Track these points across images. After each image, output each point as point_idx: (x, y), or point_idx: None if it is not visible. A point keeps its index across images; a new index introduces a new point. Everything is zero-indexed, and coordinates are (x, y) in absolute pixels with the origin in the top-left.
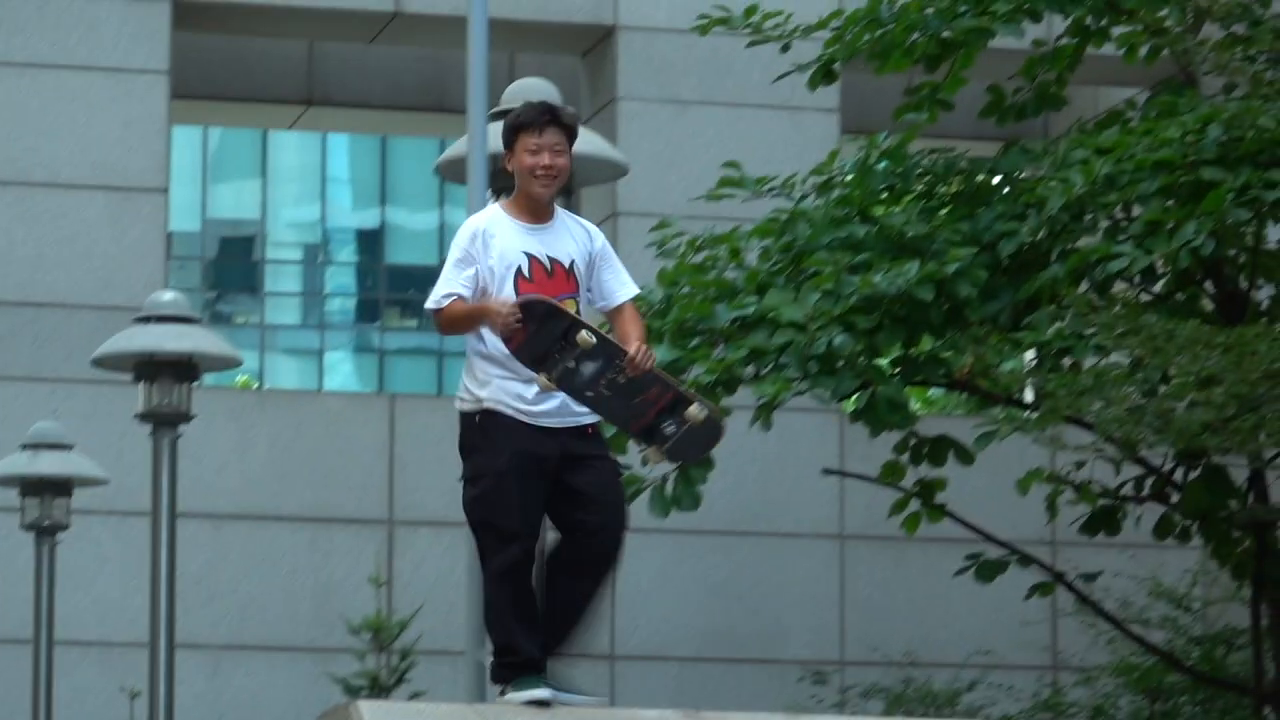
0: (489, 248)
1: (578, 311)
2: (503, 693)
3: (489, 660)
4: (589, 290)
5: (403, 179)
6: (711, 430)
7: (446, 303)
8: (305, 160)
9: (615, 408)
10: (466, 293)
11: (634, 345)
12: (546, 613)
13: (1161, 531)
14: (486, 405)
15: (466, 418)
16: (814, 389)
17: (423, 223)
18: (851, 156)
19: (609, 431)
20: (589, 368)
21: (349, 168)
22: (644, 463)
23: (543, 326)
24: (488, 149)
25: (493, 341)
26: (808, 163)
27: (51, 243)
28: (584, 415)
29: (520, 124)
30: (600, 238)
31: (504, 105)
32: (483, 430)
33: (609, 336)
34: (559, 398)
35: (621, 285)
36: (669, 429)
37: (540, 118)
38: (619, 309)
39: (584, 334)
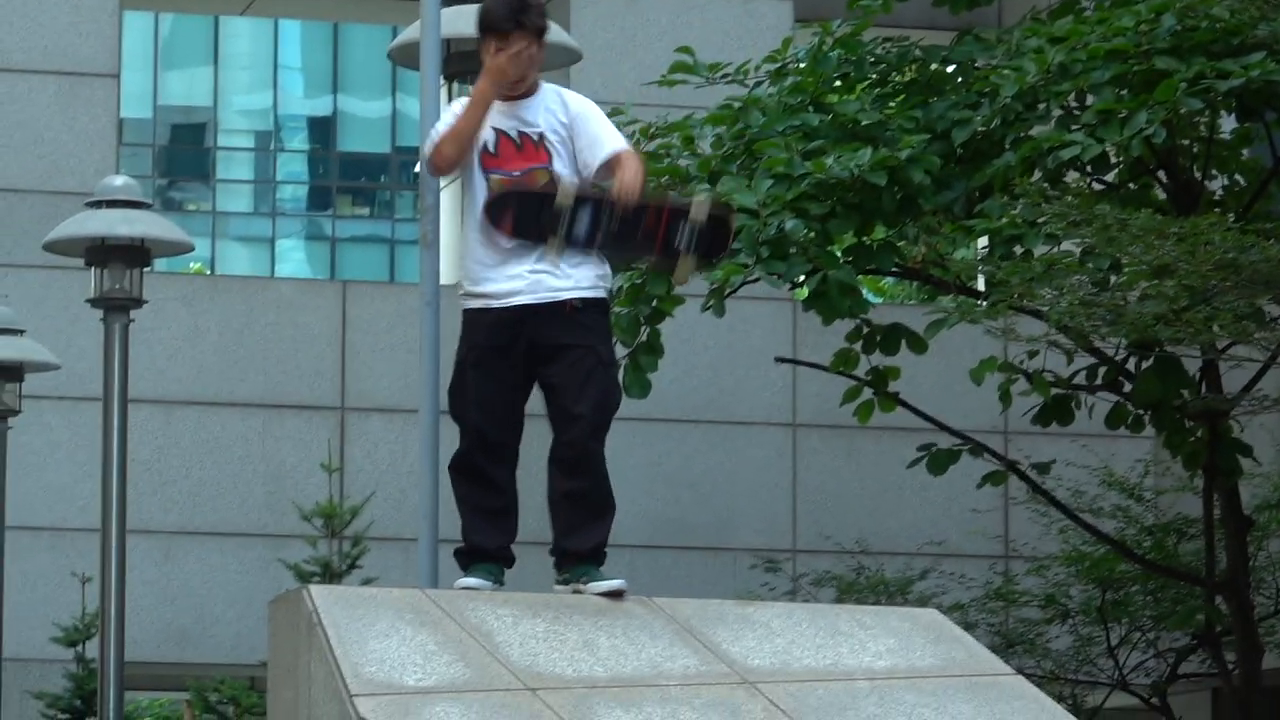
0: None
1: (551, 179)
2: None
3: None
4: (576, 156)
5: (355, 66)
6: (721, 219)
7: (445, 129)
8: (257, 47)
9: (626, 248)
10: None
11: (615, 185)
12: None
13: (1114, 421)
14: (463, 297)
15: (466, 311)
16: (766, 272)
17: (375, 110)
18: (805, 44)
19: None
20: (582, 224)
21: (301, 54)
22: (680, 281)
23: (523, 208)
24: (441, 34)
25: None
26: (761, 51)
27: (1, 128)
28: (561, 290)
29: (486, 26)
30: (576, 103)
31: None
32: (463, 321)
33: (589, 189)
34: (527, 277)
35: (602, 141)
36: (680, 242)
37: (505, 23)
38: (608, 163)
39: (558, 199)
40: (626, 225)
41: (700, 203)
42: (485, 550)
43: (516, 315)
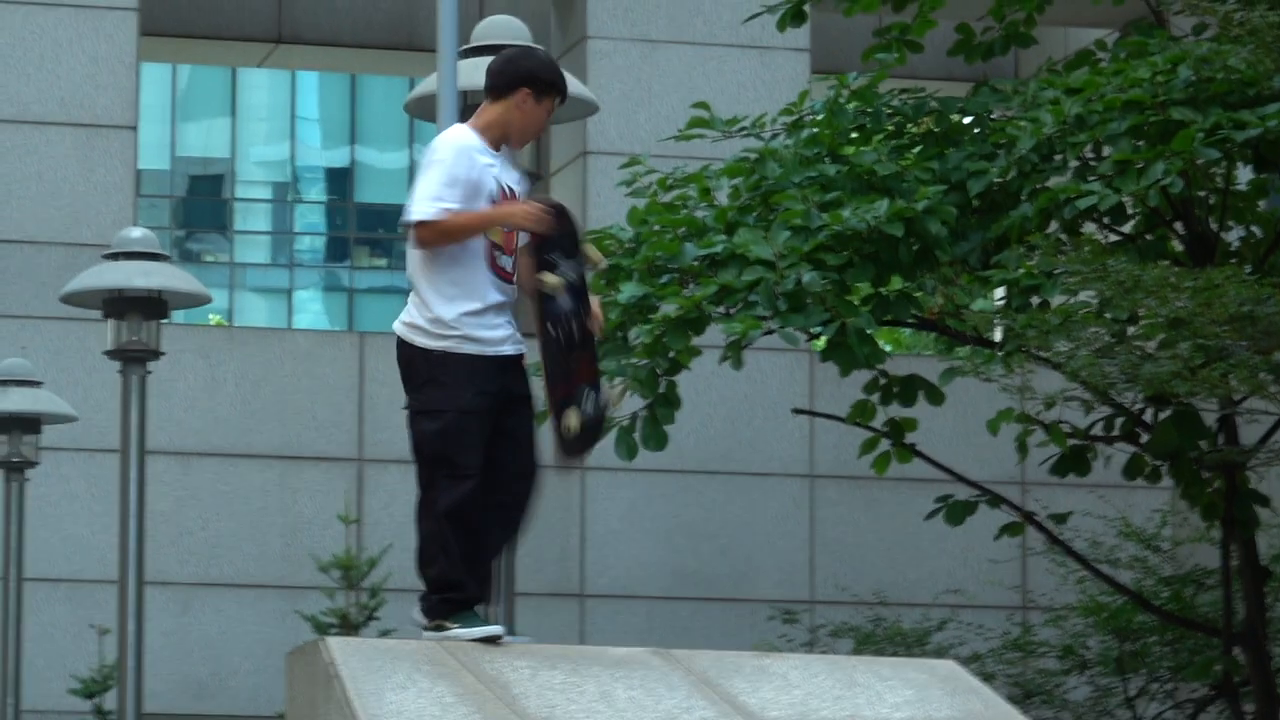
0: (473, 168)
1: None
2: (438, 627)
3: (423, 596)
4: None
5: (372, 118)
6: (603, 422)
7: (443, 215)
8: (275, 98)
9: (558, 357)
10: (458, 207)
11: (595, 301)
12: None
13: (1132, 472)
14: (450, 341)
15: (422, 350)
16: (783, 326)
17: (392, 161)
18: (821, 96)
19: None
20: (566, 301)
21: (318, 106)
22: (564, 432)
23: (561, 227)
24: (457, 87)
25: (471, 255)
26: (778, 102)
27: (19, 179)
28: (521, 344)
29: (551, 85)
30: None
31: (474, 43)
32: (444, 364)
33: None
34: (507, 328)
35: None
36: (588, 406)
37: (563, 91)
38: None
39: (592, 249)
40: (578, 341)
41: (610, 391)
42: (477, 597)
43: (501, 364)
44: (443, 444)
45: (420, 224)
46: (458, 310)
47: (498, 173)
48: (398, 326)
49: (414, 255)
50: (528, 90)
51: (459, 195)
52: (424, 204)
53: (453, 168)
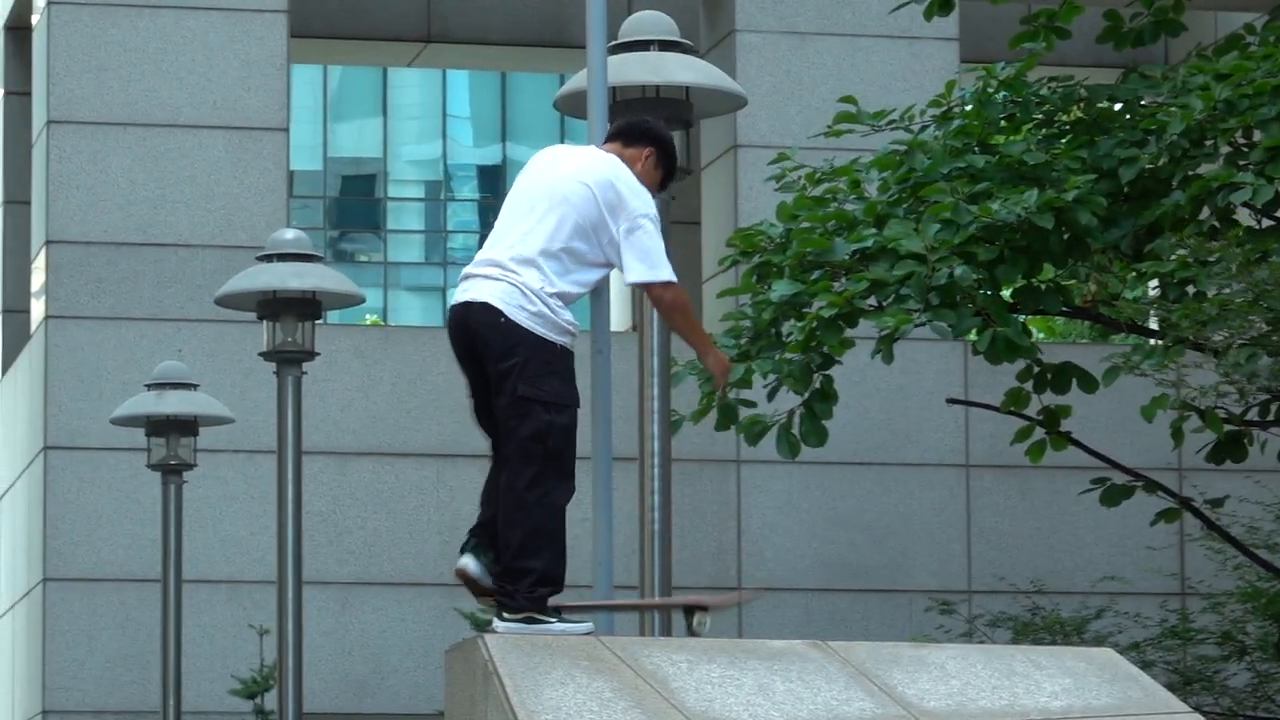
0: None
1: None
2: (529, 620)
3: (509, 588)
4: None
5: (523, 114)
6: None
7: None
8: (425, 98)
9: None
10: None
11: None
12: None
13: None
14: (569, 339)
15: (545, 341)
16: (934, 321)
17: None
18: (970, 86)
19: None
20: None
21: (469, 104)
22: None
23: None
24: (607, 83)
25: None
26: (926, 93)
27: (173, 184)
28: None
29: (668, 169)
30: None
31: (622, 39)
32: (565, 360)
33: None
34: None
35: None
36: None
37: (672, 179)
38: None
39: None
40: None
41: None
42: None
43: None
44: (567, 440)
45: (669, 284)
46: (570, 314)
47: None
48: (512, 308)
49: (551, 246)
50: (656, 159)
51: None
52: (665, 265)
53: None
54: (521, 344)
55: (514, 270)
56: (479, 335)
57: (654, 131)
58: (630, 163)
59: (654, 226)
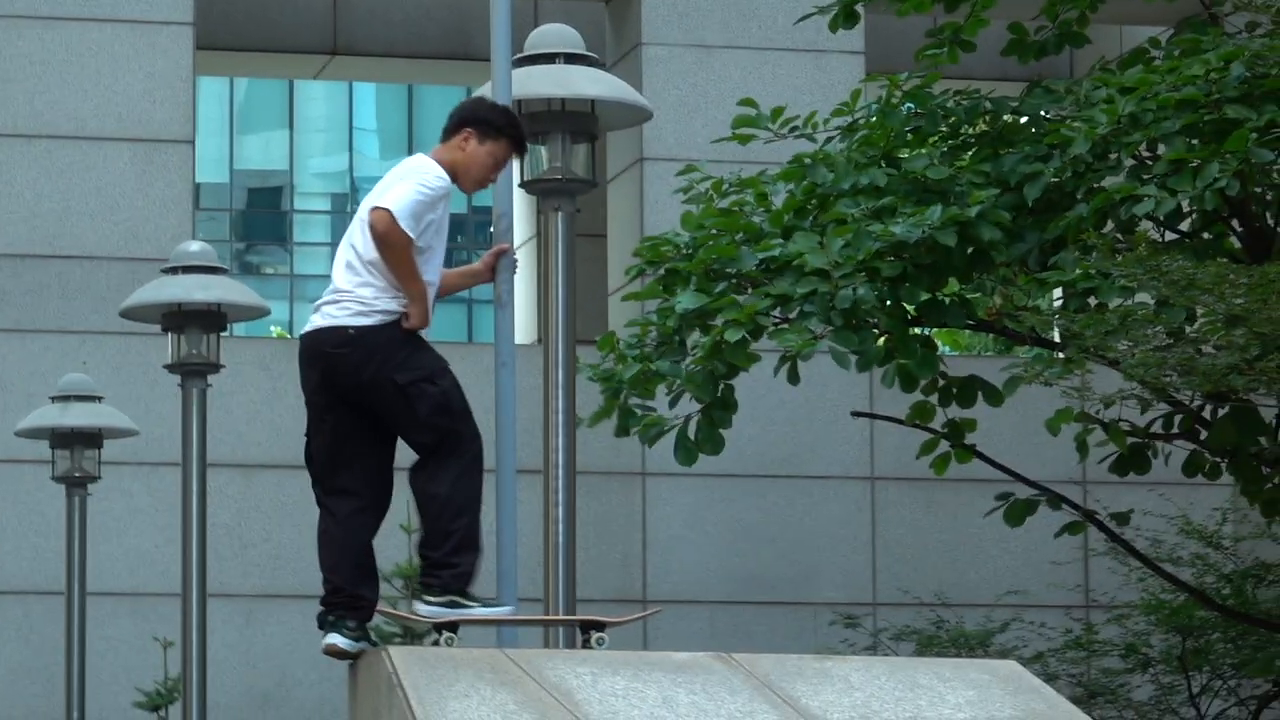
0: (444, 213)
1: None
2: (452, 603)
3: (449, 574)
4: None
5: (429, 127)
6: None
7: (413, 239)
8: (332, 110)
9: None
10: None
11: None
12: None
13: (1191, 469)
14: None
15: (387, 327)
16: (835, 345)
17: None
18: (873, 100)
19: None
20: None
21: (375, 117)
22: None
23: None
24: (512, 96)
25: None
26: (833, 105)
27: (78, 195)
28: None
29: (513, 139)
30: None
31: (528, 51)
32: (412, 331)
33: None
34: None
35: None
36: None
37: (522, 148)
38: None
39: None
40: None
41: None
42: None
43: None
44: (461, 396)
45: (394, 224)
46: (394, 291)
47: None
48: (348, 319)
49: (368, 249)
50: (493, 137)
51: (421, 231)
52: (406, 217)
53: (432, 198)
54: (381, 341)
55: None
56: (331, 357)
57: (459, 113)
58: (455, 155)
59: (418, 185)
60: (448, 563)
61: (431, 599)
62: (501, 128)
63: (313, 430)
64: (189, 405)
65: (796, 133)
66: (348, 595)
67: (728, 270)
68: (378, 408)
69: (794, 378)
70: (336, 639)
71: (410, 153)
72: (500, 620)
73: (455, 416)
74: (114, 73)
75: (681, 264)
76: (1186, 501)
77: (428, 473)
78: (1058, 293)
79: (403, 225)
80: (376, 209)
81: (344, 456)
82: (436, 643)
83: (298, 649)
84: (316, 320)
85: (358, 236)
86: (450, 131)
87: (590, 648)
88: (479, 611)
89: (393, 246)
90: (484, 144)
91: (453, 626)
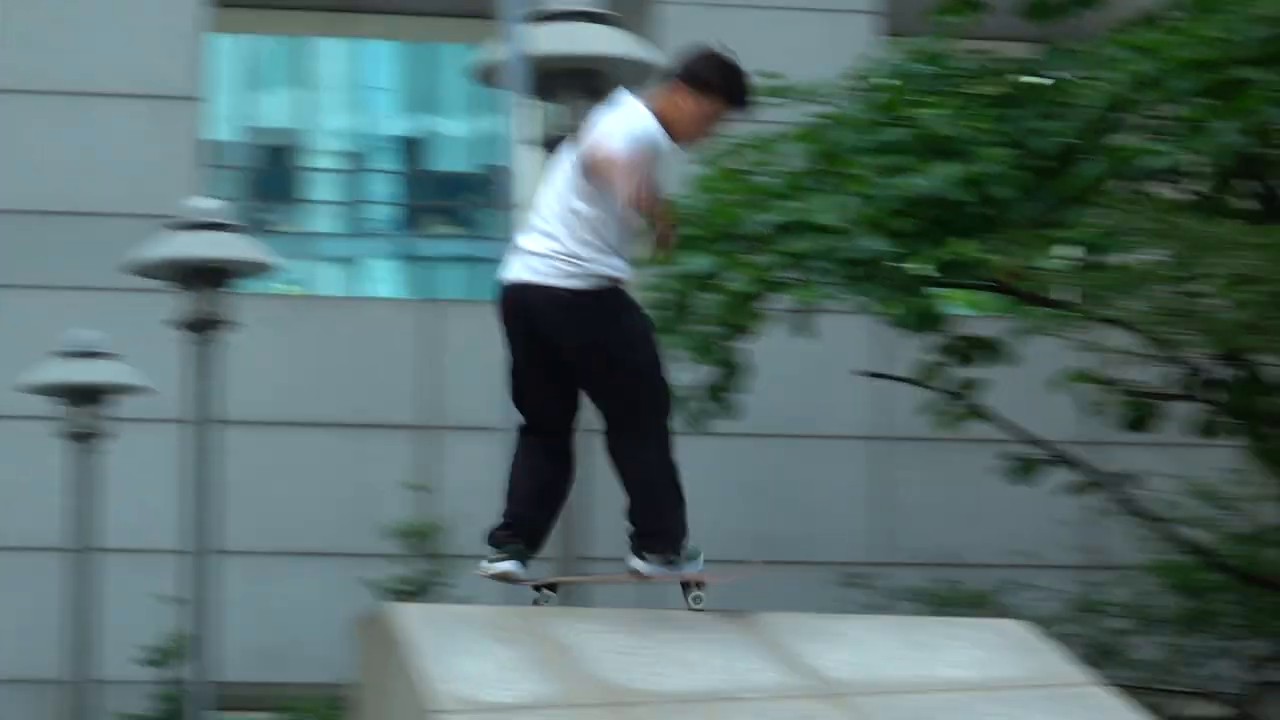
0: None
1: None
2: (670, 564)
3: (664, 540)
4: None
5: (444, 86)
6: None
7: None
8: (348, 68)
9: None
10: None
11: None
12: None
13: (1209, 431)
14: (617, 276)
15: (601, 294)
16: (856, 295)
17: (465, 130)
18: (888, 58)
19: None
20: None
21: (389, 75)
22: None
23: None
24: (521, 53)
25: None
26: (848, 65)
27: (87, 151)
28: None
29: (739, 97)
30: None
31: (544, 9)
32: (622, 293)
33: None
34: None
35: None
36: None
37: (739, 104)
38: None
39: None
40: None
41: None
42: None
43: None
44: (661, 361)
45: (609, 153)
46: (612, 251)
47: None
48: (561, 280)
49: (584, 202)
50: (715, 95)
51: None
52: (617, 148)
53: (649, 153)
54: (591, 303)
55: (557, 244)
56: (541, 315)
57: (673, 69)
58: (668, 108)
59: (627, 140)
60: (655, 530)
61: (650, 556)
62: (701, 77)
63: (521, 367)
64: (199, 362)
65: (809, 99)
66: (529, 529)
67: (739, 233)
68: (578, 368)
69: (810, 330)
70: (510, 566)
71: (424, 111)
72: (584, 580)
73: (655, 387)
74: (122, 29)
75: (693, 228)
76: (1191, 461)
77: (624, 439)
78: (1062, 251)
79: (615, 155)
80: (603, 149)
81: (549, 394)
82: (537, 602)
83: (306, 605)
84: (523, 274)
85: (572, 187)
86: (667, 81)
87: (691, 608)
88: (692, 569)
89: (609, 170)
90: (694, 97)
91: (552, 586)
